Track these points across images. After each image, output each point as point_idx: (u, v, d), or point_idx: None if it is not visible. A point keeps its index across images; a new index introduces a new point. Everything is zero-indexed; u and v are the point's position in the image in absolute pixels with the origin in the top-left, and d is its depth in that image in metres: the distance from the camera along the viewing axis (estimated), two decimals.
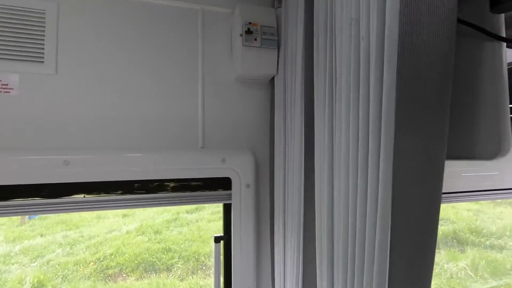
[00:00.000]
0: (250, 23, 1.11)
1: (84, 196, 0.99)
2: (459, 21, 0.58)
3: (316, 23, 0.85)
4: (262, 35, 1.11)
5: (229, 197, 1.14)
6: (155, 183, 1.06)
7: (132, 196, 1.04)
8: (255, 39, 1.11)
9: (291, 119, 1.02)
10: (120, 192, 1.02)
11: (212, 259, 1.23)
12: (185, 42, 1.16)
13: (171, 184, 1.08)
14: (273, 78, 1.21)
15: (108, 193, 1.01)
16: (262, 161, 1.21)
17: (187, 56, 1.16)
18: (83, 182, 0.97)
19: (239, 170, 1.14)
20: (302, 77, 0.94)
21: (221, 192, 1.14)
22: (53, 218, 4.44)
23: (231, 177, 1.13)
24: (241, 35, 1.10)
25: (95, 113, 1.04)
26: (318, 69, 0.84)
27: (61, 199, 0.97)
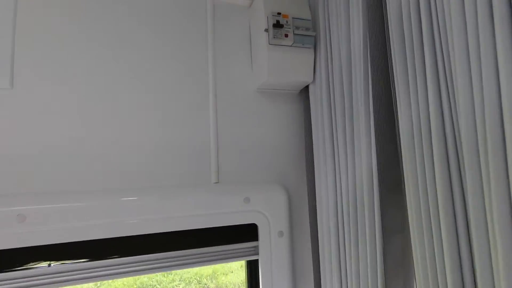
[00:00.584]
0: (279, 13, 0.82)
1: (50, 265, 0.68)
2: None
3: None
4: (294, 29, 0.82)
5: (255, 250, 0.84)
6: (151, 240, 0.75)
7: (112, 261, 0.72)
8: (286, 35, 0.82)
9: (347, 143, 0.72)
10: (99, 255, 0.71)
11: None
12: (191, 43, 0.87)
13: (174, 239, 0.77)
14: (306, 88, 0.91)
15: (82, 258, 0.70)
16: (298, 199, 0.90)
17: (194, 62, 0.87)
18: (46, 245, 0.66)
19: (268, 213, 0.83)
20: (366, 84, 0.64)
21: (243, 245, 0.83)
22: None
23: (257, 224, 0.83)
24: (266, 30, 0.82)
25: (65, 143, 0.73)
26: (399, 68, 0.55)
27: (13, 272, 0.65)
